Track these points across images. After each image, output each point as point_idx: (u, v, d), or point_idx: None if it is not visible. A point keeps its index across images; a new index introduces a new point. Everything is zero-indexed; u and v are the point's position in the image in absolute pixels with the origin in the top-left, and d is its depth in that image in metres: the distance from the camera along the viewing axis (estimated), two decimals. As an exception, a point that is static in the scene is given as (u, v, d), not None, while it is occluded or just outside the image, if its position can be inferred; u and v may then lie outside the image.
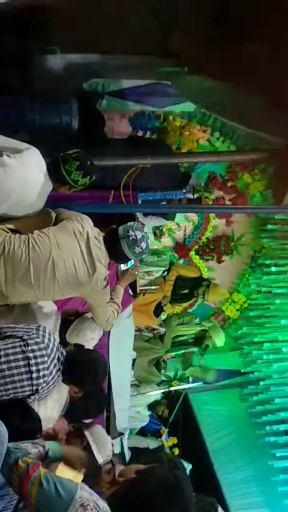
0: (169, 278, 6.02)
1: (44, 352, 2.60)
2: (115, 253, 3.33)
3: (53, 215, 3.37)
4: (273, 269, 6.22)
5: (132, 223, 3.41)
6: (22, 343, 2.57)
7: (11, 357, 2.52)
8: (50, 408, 3.08)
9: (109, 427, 4.87)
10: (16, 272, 3.03)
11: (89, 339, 3.68)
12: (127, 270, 3.73)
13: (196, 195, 5.36)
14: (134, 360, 5.90)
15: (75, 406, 3.26)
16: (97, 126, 4.85)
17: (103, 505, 1.93)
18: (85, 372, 2.96)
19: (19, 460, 1.99)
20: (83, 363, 2.96)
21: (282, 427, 6.37)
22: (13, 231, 3.16)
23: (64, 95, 4.62)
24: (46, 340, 2.66)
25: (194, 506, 2.05)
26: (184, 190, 4.91)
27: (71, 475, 2.12)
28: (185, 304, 6.46)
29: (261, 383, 6.55)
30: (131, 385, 5.84)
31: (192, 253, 6.27)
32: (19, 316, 3.26)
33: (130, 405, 5.61)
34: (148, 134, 5.25)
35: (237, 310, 6.74)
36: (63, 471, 2.15)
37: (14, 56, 4.59)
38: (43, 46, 4.65)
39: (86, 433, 3.35)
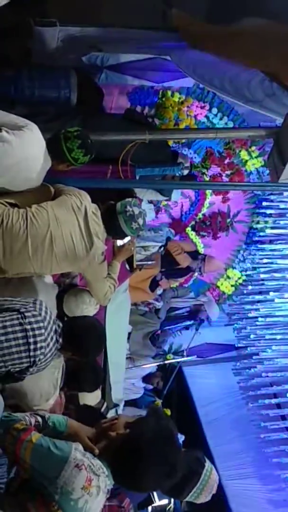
0: (176, 252, 6.08)
1: (41, 324, 2.63)
2: (112, 228, 3.36)
3: (52, 190, 3.38)
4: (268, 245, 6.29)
5: (130, 199, 3.44)
6: (19, 315, 2.59)
7: (9, 329, 2.54)
8: (47, 382, 3.16)
9: (105, 398, 4.96)
10: (14, 246, 3.06)
11: (86, 311, 3.74)
12: (123, 245, 3.76)
13: (193, 171, 5.36)
14: (129, 334, 5.97)
15: (71, 375, 3.35)
16: (95, 100, 4.83)
17: (97, 462, 2.00)
18: (86, 335, 3.02)
19: (11, 427, 2.04)
20: (84, 327, 3.02)
21: (274, 401, 6.48)
22: (12, 205, 3.17)
23: (63, 68, 4.60)
24: (43, 313, 2.69)
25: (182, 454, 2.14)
26: (181, 167, 4.91)
27: None
28: (180, 279, 6.52)
29: (254, 357, 6.65)
30: (126, 358, 5.93)
31: (189, 229, 6.31)
32: (17, 288, 3.30)
33: (125, 378, 5.70)
34: (146, 110, 5.24)
35: (232, 285, 6.81)
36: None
37: (13, 28, 4.56)
38: (42, 18, 4.60)
39: None
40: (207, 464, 2.40)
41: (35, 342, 2.59)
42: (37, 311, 2.67)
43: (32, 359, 2.60)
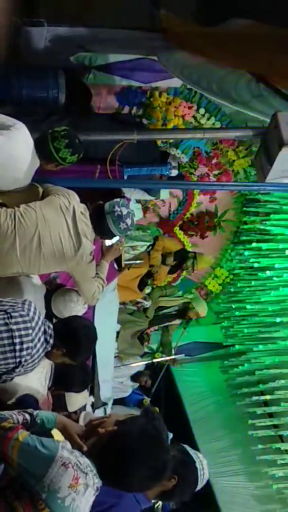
0: (156, 249, 6.09)
1: (28, 325, 2.61)
2: (101, 228, 3.37)
3: (40, 189, 3.39)
4: (254, 244, 6.32)
5: (118, 199, 3.45)
6: (5, 315, 2.58)
7: None
8: (35, 381, 3.16)
9: (94, 397, 4.97)
10: (2, 246, 3.06)
11: (74, 311, 3.75)
12: (112, 245, 3.77)
13: (181, 171, 5.38)
14: (118, 333, 5.99)
15: (60, 375, 3.36)
16: (84, 101, 4.84)
17: (84, 460, 1.99)
18: (82, 336, 3.02)
19: None
20: (79, 329, 3.03)
21: (261, 399, 6.52)
22: (0, 204, 3.18)
23: (51, 68, 4.60)
24: (31, 314, 2.67)
25: (171, 458, 2.15)
26: (169, 167, 4.93)
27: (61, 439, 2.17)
28: (169, 278, 6.55)
29: (242, 356, 6.69)
30: (115, 357, 5.94)
31: (177, 228, 6.33)
32: (5, 288, 3.29)
33: (114, 376, 5.71)
34: (134, 110, 5.25)
35: (219, 284, 6.85)
36: (57, 436, 2.21)
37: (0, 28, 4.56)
38: (30, 18, 4.60)
39: (81, 417, 3.46)
40: (198, 462, 2.44)
41: (21, 343, 2.57)
42: (25, 311, 2.65)
43: (18, 360, 2.58)
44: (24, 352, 2.59)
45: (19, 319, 2.60)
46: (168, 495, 2.35)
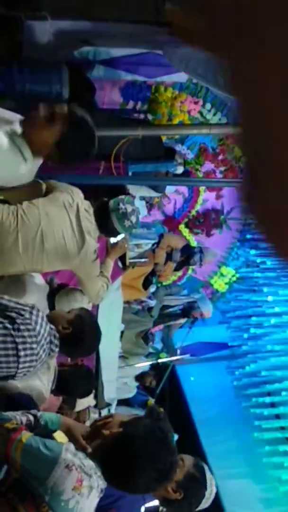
0: (161, 247, 6.01)
1: (34, 339, 2.57)
2: (105, 226, 3.30)
3: (43, 186, 3.32)
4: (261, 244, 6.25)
5: (123, 196, 3.38)
6: (12, 326, 2.54)
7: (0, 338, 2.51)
8: (37, 380, 3.10)
9: (97, 397, 4.91)
10: (4, 243, 2.99)
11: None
12: (116, 243, 3.70)
13: (187, 167, 5.32)
14: (122, 332, 5.92)
15: (64, 382, 3.30)
16: (87, 95, 4.78)
17: (88, 462, 1.96)
18: (87, 347, 2.98)
19: (1, 427, 1.99)
20: (86, 347, 2.99)
21: (267, 400, 6.45)
22: (2, 201, 3.11)
23: (54, 63, 4.53)
24: (38, 327, 2.62)
25: (177, 459, 2.12)
26: (175, 163, 4.86)
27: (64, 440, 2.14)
28: (174, 277, 6.49)
29: (248, 356, 6.62)
30: (119, 357, 5.88)
31: (182, 226, 6.27)
32: (8, 286, 3.24)
33: (118, 376, 5.65)
34: (139, 105, 5.17)
35: (226, 283, 6.78)
36: (60, 438, 2.17)
37: (2, 22, 4.48)
38: (33, 12, 4.53)
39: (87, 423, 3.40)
40: (208, 490, 2.41)
41: (26, 355, 2.53)
42: (32, 325, 2.59)
43: (20, 370, 2.55)
44: (27, 364, 2.56)
45: (26, 333, 2.55)
46: (167, 502, 2.33)
